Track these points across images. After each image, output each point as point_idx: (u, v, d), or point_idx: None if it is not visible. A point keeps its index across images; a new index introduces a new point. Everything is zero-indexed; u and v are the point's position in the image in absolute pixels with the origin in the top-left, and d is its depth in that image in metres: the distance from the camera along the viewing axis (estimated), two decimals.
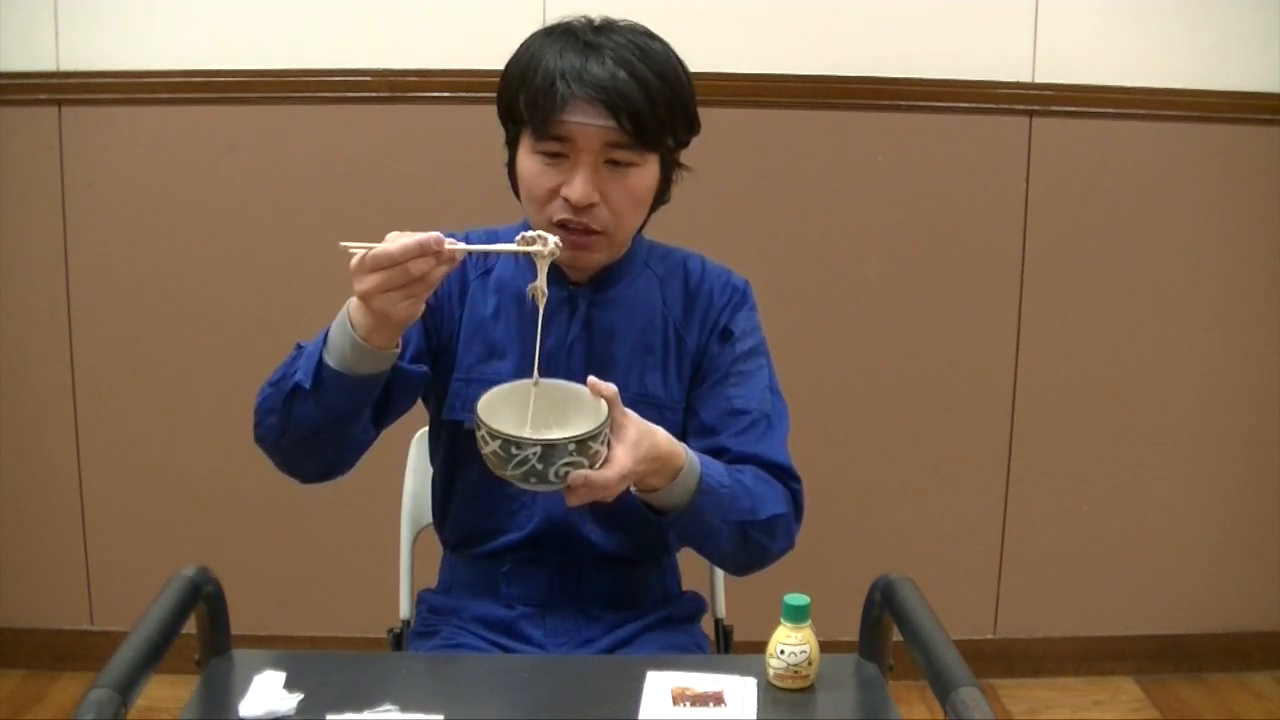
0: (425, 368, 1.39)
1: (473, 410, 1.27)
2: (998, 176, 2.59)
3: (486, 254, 1.49)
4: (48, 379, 2.62)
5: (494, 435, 1.22)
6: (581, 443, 1.22)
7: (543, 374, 1.32)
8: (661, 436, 1.32)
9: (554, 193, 1.38)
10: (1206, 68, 2.56)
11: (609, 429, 1.26)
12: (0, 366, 2.62)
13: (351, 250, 1.22)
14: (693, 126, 1.45)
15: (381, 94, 2.50)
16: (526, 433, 1.25)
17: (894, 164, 2.58)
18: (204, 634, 1.29)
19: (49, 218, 2.55)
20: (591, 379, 1.28)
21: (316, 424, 1.32)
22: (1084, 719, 2.65)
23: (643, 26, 1.44)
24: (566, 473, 1.23)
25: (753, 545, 1.42)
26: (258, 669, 1.24)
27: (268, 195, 2.56)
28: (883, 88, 2.52)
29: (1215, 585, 2.79)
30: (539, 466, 1.22)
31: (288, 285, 2.58)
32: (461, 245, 1.25)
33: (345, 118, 2.52)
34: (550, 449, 1.21)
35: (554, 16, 2.47)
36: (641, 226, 1.50)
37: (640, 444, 1.29)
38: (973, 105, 2.54)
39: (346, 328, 1.26)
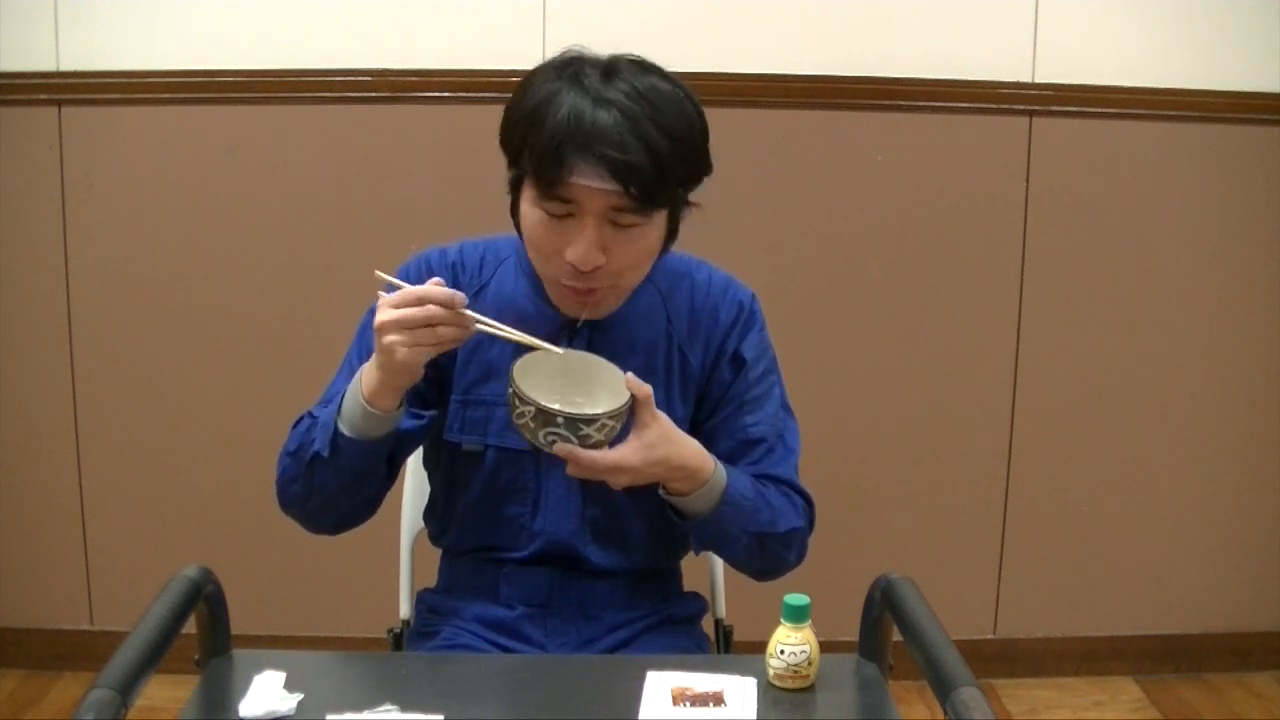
0: (427, 416, 1.42)
1: (467, 431, 1.44)
2: (998, 176, 2.59)
3: (480, 284, 1.47)
4: (48, 379, 2.62)
5: (510, 383, 1.29)
6: (571, 421, 1.28)
7: None
8: (690, 449, 1.37)
9: (559, 251, 1.34)
10: (1206, 68, 2.56)
11: (617, 423, 1.30)
12: (0, 366, 2.62)
13: (385, 288, 1.32)
14: (704, 171, 1.38)
15: (381, 94, 2.50)
16: (542, 392, 1.31)
17: (894, 164, 2.58)
18: (204, 634, 1.29)
19: (49, 218, 2.55)
20: (630, 375, 1.33)
21: (338, 486, 1.40)
22: (1084, 719, 2.65)
23: (652, 65, 1.35)
24: (553, 441, 1.29)
25: (769, 555, 1.46)
26: (258, 669, 1.24)
27: (268, 195, 2.56)
28: (883, 88, 2.52)
29: (1215, 585, 2.79)
30: (531, 425, 1.29)
31: (288, 285, 2.58)
32: (482, 323, 1.30)
33: (345, 118, 2.52)
34: (542, 413, 1.28)
35: (554, 17, 2.49)
36: None
37: (656, 448, 1.33)
38: (973, 105, 2.54)
39: (357, 397, 1.34)
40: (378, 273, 1.35)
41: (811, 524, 1.50)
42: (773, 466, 1.47)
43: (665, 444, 1.33)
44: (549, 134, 1.28)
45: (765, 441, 1.47)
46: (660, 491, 1.40)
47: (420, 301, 1.26)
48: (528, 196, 1.35)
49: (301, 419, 1.44)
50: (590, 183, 1.29)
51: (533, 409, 1.28)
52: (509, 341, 1.34)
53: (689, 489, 1.38)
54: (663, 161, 1.29)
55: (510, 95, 1.37)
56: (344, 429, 1.35)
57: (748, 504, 1.41)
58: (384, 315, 1.27)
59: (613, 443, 1.31)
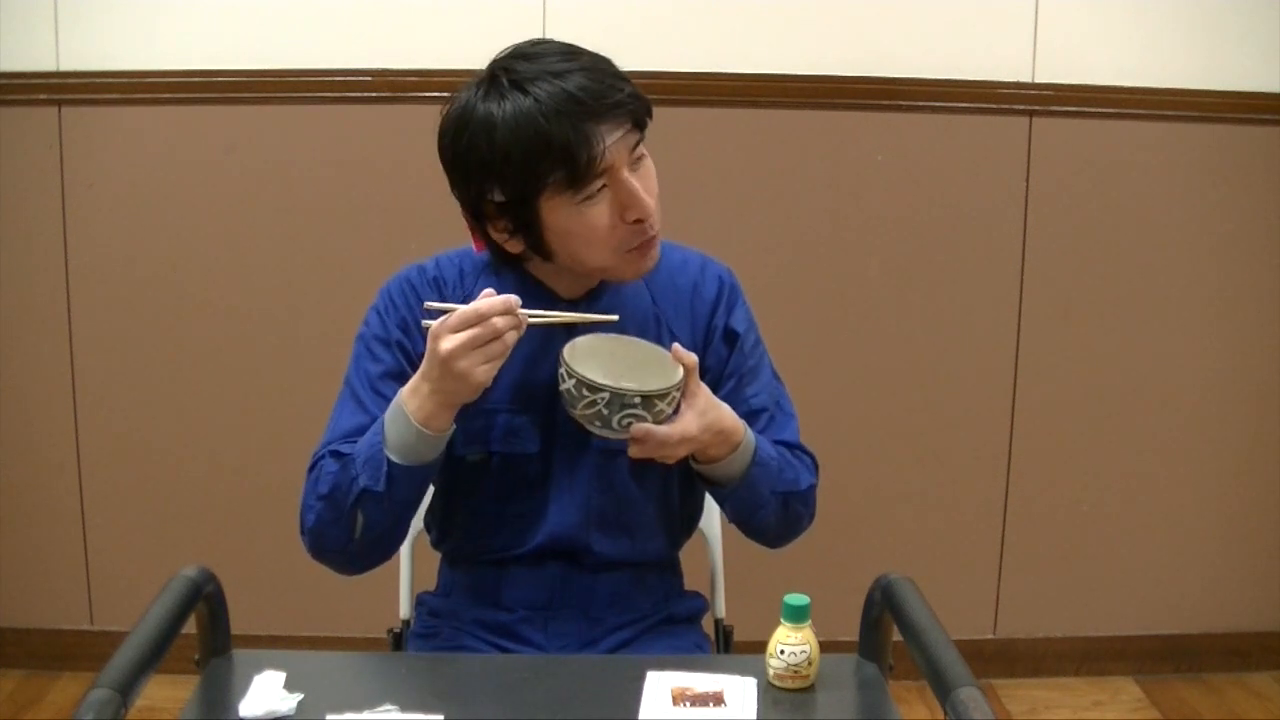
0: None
1: (469, 443, 1.42)
2: (998, 176, 2.59)
3: (464, 294, 1.45)
4: (48, 379, 2.62)
5: (570, 374, 1.31)
6: (647, 398, 1.30)
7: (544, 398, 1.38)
8: (726, 412, 1.40)
9: (616, 225, 1.35)
10: (1206, 68, 2.56)
11: (680, 395, 1.33)
12: (0, 366, 2.62)
13: (429, 315, 1.29)
14: None
15: (381, 94, 2.50)
16: (602, 379, 1.32)
17: (894, 164, 2.58)
18: (204, 634, 1.29)
19: (49, 218, 2.55)
20: (676, 346, 1.35)
21: (391, 518, 1.38)
22: (1084, 719, 2.65)
23: (533, 40, 1.39)
24: (629, 423, 1.31)
25: (791, 515, 1.49)
26: (258, 669, 1.24)
27: (267, 195, 2.56)
28: (883, 88, 2.52)
29: (1215, 585, 2.79)
30: (605, 412, 1.31)
31: (287, 285, 2.58)
32: (536, 314, 1.31)
33: (345, 118, 2.52)
34: (618, 397, 1.30)
35: (554, 17, 2.50)
36: None
37: (707, 414, 1.36)
38: (973, 105, 2.54)
39: (407, 423, 1.32)
40: (428, 304, 1.34)
41: (817, 477, 1.54)
42: (777, 433, 1.50)
43: (713, 409, 1.37)
44: (558, 127, 1.29)
45: (766, 410, 1.51)
46: (692, 462, 1.42)
47: (481, 318, 1.26)
48: (555, 206, 1.33)
49: (319, 461, 1.40)
50: (617, 134, 1.31)
51: (606, 395, 1.30)
52: (563, 324, 1.36)
53: (725, 453, 1.40)
54: (627, 78, 1.35)
55: (461, 161, 1.35)
56: (395, 459, 1.33)
57: (774, 464, 1.44)
58: (450, 342, 1.26)
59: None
